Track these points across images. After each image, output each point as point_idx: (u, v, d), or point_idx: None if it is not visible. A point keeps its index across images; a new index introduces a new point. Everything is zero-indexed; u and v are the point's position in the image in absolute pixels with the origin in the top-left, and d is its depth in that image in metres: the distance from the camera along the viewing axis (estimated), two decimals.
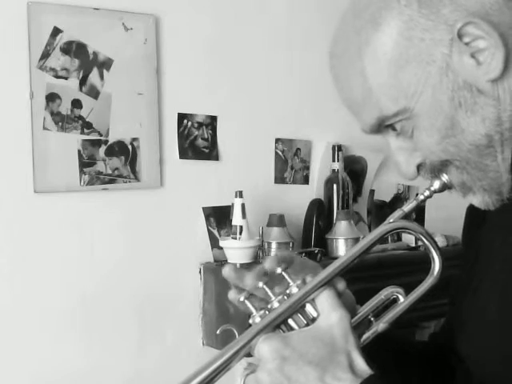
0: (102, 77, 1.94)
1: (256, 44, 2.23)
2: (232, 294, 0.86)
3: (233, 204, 2.06)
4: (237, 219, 2.02)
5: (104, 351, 1.96)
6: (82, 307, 1.92)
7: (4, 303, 1.82)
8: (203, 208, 2.10)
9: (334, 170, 2.29)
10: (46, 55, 1.85)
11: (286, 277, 0.83)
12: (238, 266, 1.99)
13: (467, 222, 1.01)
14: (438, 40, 0.77)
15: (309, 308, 0.81)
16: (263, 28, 2.25)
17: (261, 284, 0.83)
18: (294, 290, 0.81)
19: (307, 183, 2.35)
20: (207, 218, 2.11)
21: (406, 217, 0.85)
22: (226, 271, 0.85)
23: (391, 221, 0.85)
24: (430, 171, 0.84)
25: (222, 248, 2.05)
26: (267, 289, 0.83)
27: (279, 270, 0.83)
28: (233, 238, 2.01)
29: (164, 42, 2.06)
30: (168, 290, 2.06)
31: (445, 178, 0.83)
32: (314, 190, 2.34)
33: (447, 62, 0.77)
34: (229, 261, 2.02)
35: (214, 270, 2.06)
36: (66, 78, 1.89)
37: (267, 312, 0.81)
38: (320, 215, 2.22)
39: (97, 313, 1.94)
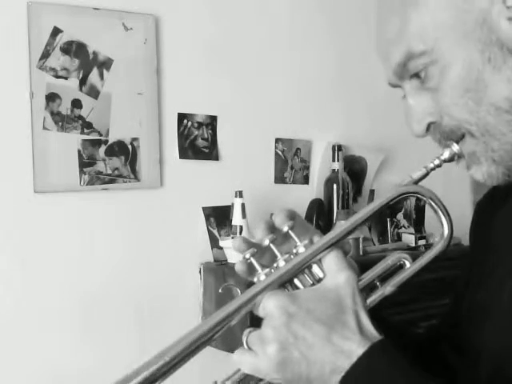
0: (101, 77, 1.94)
1: (256, 44, 2.23)
2: (238, 265, 0.83)
3: (233, 204, 2.06)
4: (237, 219, 2.02)
5: (104, 351, 1.96)
6: (81, 307, 1.92)
7: (4, 303, 1.82)
8: (203, 208, 2.10)
9: (334, 170, 2.29)
10: (46, 55, 1.85)
11: (293, 236, 0.81)
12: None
13: (475, 218, 1.00)
14: None
15: (315, 269, 0.79)
16: (263, 28, 2.25)
17: (267, 242, 0.80)
18: (301, 249, 0.79)
19: (307, 183, 2.35)
20: (207, 218, 2.11)
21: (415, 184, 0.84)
22: (237, 243, 0.83)
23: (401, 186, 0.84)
24: (444, 134, 0.83)
25: (221, 248, 2.05)
26: (274, 248, 0.80)
27: (286, 229, 0.81)
28: (233, 237, 2.01)
29: (164, 42, 2.06)
30: (168, 290, 2.06)
31: (455, 147, 0.83)
32: (313, 189, 2.34)
33: (484, 17, 0.77)
34: (229, 261, 2.02)
35: (214, 269, 2.06)
36: (66, 78, 1.89)
37: (273, 270, 0.78)
38: (320, 215, 2.22)
39: (97, 312, 1.94)
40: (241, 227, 2.00)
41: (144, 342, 2.02)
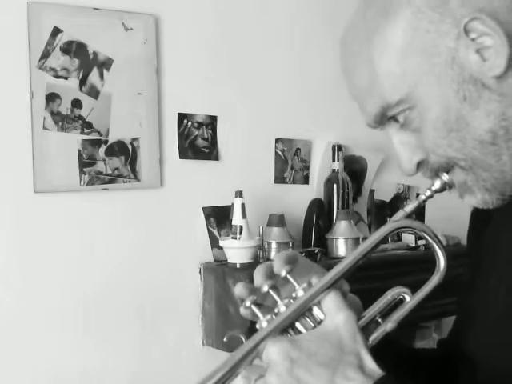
0: (102, 77, 1.94)
1: (256, 44, 2.23)
2: (243, 311, 0.84)
3: (233, 204, 2.06)
4: (237, 219, 2.02)
5: (104, 351, 1.96)
6: (81, 307, 1.92)
7: (4, 303, 1.82)
8: (203, 208, 2.10)
9: (334, 170, 2.29)
10: (46, 55, 1.85)
11: (292, 280, 0.82)
12: (238, 266, 1.99)
13: (472, 224, 1.01)
14: (444, 32, 0.78)
15: (316, 311, 0.80)
16: (263, 28, 2.25)
17: (266, 288, 0.82)
18: (300, 293, 0.80)
19: (307, 183, 2.35)
20: (207, 217, 2.11)
21: (408, 217, 0.85)
22: (238, 290, 0.84)
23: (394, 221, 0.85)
24: (433, 170, 0.84)
25: (221, 248, 2.05)
26: (273, 293, 0.82)
27: (283, 274, 0.82)
28: (233, 237, 2.01)
29: (164, 42, 2.06)
30: (168, 290, 2.06)
31: (445, 177, 0.83)
32: (314, 189, 2.34)
33: (453, 56, 0.78)
34: (229, 261, 2.02)
35: (214, 269, 2.06)
36: (66, 78, 1.89)
37: (274, 316, 0.80)
38: (320, 215, 2.22)
39: (97, 313, 1.94)
40: (241, 227, 2.00)
41: (144, 341, 2.02)
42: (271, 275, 0.84)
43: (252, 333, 0.80)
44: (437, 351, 1.06)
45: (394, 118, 0.84)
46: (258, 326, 0.80)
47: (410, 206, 0.85)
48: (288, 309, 0.80)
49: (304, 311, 0.80)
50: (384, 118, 0.85)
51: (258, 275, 0.85)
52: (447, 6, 0.78)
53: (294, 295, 0.81)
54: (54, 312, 1.88)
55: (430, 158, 0.83)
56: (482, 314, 0.88)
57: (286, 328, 0.80)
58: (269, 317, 0.80)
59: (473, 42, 0.77)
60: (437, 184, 0.84)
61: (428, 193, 0.85)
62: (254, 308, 0.82)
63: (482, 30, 0.77)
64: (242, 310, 0.84)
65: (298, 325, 0.80)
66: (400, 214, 0.85)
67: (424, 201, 0.85)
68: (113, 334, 1.97)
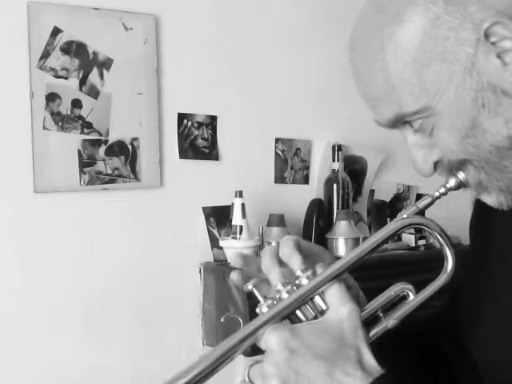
0: (101, 77, 1.94)
1: (256, 44, 2.23)
2: (234, 275, 0.83)
3: (233, 204, 2.06)
4: (237, 219, 2.02)
5: (104, 351, 1.96)
6: (81, 307, 1.92)
7: (4, 303, 1.82)
8: (203, 208, 2.10)
9: (334, 170, 2.29)
10: (46, 55, 1.85)
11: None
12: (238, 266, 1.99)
13: (476, 213, 1.00)
14: (463, 39, 0.75)
15: (318, 300, 0.79)
16: (263, 28, 2.25)
17: (251, 287, 0.80)
18: (304, 281, 0.79)
19: (307, 183, 2.35)
20: (207, 217, 2.11)
21: (420, 213, 0.83)
22: (234, 260, 0.83)
23: (405, 216, 0.83)
24: (448, 169, 0.82)
25: (221, 248, 2.05)
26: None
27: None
28: (233, 237, 2.01)
29: (164, 42, 2.06)
30: (168, 290, 2.06)
31: (461, 176, 0.82)
32: (314, 189, 2.34)
33: (472, 62, 0.75)
34: (229, 260, 2.02)
35: (214, 269, 2.06)
36: (66, 78, 1.89)
37: (275, 302, 0.78)
38: (320, 215, 2.22)
39: (97, 312, 1.94)
40: (241, 227, 2.00)
41: (144, 341, 2.02)
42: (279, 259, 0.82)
43: (251, 316, 0.79)
44: (424, 330, 1.04)
45: (408, 123, 0.82)
46: (258, 311, 0.78)
47: (422, 202, 0.83)
48: (290, 296, 0.78)
49: (306, 300, 0.79)
50: (398, 123, 0.83)
51: (267, 257, 0.83)
52: (466, 11, 0.75)
53: (297, 282, 0.79)
54: (54, 311, 1.88)
55: (443, 160, 0.82)
56: (489, 312, 0.87)
57: (287, 315, 0.78)
58: (270, 302, 0.78)
59: (493, 46, 0.75)
60: (452, 182, 0.83)
61: (442, 190, 0.83)
62: (256, 291, 0.80)
63: (502, 33, 0.74)
64: (233, 275, 0.82)
65: (298, 313, 0.79)
66: (412, 209, 0.83)
67: (437, 198, 0.83)
68: (113, 333, 1.97)
